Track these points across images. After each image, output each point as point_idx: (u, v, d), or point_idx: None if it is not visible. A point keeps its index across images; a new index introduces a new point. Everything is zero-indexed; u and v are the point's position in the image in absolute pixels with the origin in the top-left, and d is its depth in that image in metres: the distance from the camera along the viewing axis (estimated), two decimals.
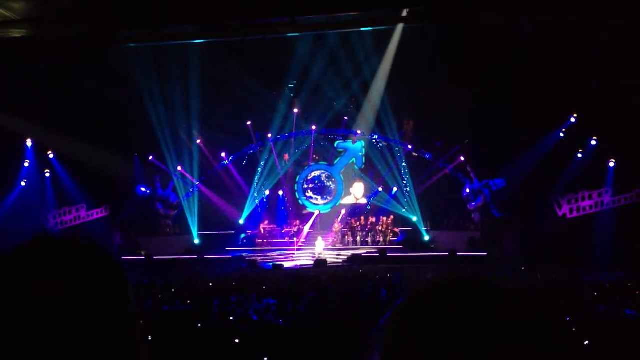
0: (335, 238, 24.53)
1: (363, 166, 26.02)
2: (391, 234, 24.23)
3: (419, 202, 24.20)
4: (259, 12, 14.57)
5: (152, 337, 7.90)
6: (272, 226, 25.50)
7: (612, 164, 22.07)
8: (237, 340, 7.80)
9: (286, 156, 26.27)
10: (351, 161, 25.97)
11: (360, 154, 25.92)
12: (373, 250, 23.11)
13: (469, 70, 19.72)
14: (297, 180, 26.28)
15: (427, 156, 24.78)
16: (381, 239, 24.06)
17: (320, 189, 26.27)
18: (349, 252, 23.01)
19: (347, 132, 25.75)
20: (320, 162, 26.39)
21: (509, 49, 18.06)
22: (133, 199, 24.80)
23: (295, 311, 10.30)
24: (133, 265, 20.29)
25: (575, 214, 22.53)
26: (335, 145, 26.10)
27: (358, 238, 24.31)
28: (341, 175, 25.95)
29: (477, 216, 23.76)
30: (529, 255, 19.23)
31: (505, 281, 13.94)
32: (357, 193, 25.86)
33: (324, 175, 26.29)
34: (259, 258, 22.76)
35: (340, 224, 24.90)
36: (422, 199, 24.39)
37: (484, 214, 23.57)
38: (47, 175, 24.47)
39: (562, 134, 22.83)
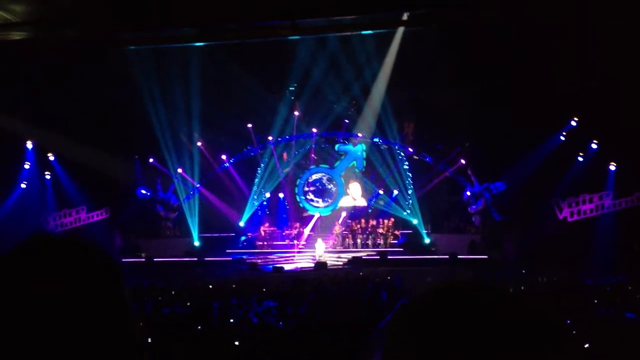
0: (335, 240, 24.51)
1: (364, 169, 26.03)
2: (392, 237, 24.20)
3: (420, 204, 24.20)
4: (260, 14, 14.60)
5: (152, 339, 7.90)
6: (272, 229, 25.48)
7: (612, 167, 22.04)
8: (237, 343, 7.79)
9: (285, 155, 26.26)
10: (352, 164, 25.97)
11: (361, 156, 25.93)
12: (373, 253, 23.08)
13: (469, 73, 19.77)
14: (297, 183, 26.28)
15: (428, 159, 24.78)
16: (382, 242, 24.04)
17: (321, 192, 26.27)
18: (350, 255, 22.99)
19: (347, 135, 25.75)
20: (321, 165, 26.40)
21: (508, 52, 18.08)
22: (133, 201, 24.79)
23: (296, 314, 10.29)
24: (133, 267, 20.28)
25: (575, 217, 22.51)
26: (336, 148, 26.11)
27: (358, 240, 24.29)
28: (342, 178, 25.95)
29: (478, 219, 23.75)
30: (530, 258, 19.22)
31: (506, 284, 13.93)
32: (354, 193, 25.84)
33: (325, 178, 26.29)
34: (259, 260, 22.73)
35: (340, 226, 24.89)
36: (422, 201, 24.39)
37: (485, 217, 23.56)
38: (48, 177, 24.46)
39: (562, 137, 22.81)
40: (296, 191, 26.24)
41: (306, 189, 26.29)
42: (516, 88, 20.08)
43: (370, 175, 25.93)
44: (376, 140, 25.19)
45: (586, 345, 6.82)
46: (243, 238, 25.26)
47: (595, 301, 11.22)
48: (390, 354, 0.85)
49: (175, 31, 16.63)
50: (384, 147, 25.21)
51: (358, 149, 25.91)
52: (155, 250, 23.44)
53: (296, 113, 25.22)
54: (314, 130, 25.31)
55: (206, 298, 12.60)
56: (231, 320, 9.77)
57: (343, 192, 25.87)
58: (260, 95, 23.69)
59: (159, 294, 13.86)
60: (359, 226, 24.77)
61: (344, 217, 25.24)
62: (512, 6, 14.79)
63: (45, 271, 0.94)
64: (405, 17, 16.36)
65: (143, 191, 25.00)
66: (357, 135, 25.47)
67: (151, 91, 22.47)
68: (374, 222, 24.70)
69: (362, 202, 25.83)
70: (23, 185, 24.09)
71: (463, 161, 23.83)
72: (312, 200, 26.22)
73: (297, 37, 17.98)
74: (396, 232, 24.40)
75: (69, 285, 0.94)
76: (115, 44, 17.83)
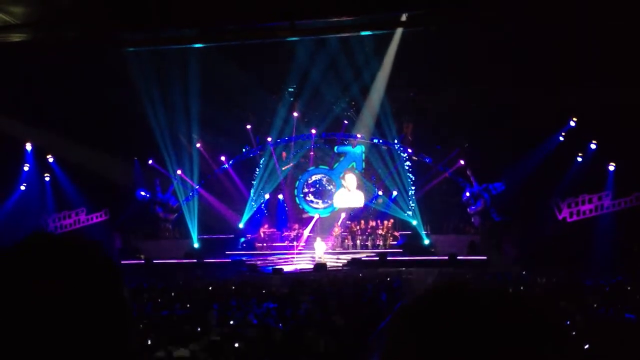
0: (335, 242, 24.50)
1: (363, 170, 26.03)
2: (391, 238, 24.20)
3: (419, 205, 24.20)
4: (259, 16, 14.59)
5: (151, 341, 7.90)
6: (272, 230, 25.47)
7: (611, 168, 22.06)
8: (236, 345, 7.78)
9: (284, 154, 26.25)
10: (351, 165, 25.98)
11: (360, 157, 25.93)
12: (373, 254, 23.08)
13: (468, 74, 19.78)
14: (296, 185, 26.29)
15: (427, 160, 24.79)
16: (381, 243, 24.04)
17: (321, 193, 26.28)
18: (349, 256, 22.98)
19: (347, 136, 25.76)
20: (321, 166, 26.40)
21: (508, 52, 18.10)
22: (133, 203, 24.79)
23: (295, 315, 10.28)
24: (133, 269, 20.27)
25: (575, 217, 22.52)
26: (335, 149, 26.12)
27: (358, 242, 24.28)
28: (341, 179, 25.95)
29: (477, 220, 23.75)
30: (529, 258, 19.24)
31: (506, 285, 13.95)
32: (349, 184, 25.81)
33: (324, 179, 26.31)
34: (258, 262, 22.73)
35: (340, 227, 24.89)
36: (422, 202, 24.40)
37: (484, 217, 23.57)
38: (47, 179, 24.46)
39: (561, 138, 22.83)
40: (295, 192, 26.24)
41: (306, 190, 26.30)
42: (515, 88, 20.10)
43: (370, 177, 25.94)
44: (375, 141, 25.21)
45: (586, 346, 6.82)
46: (242, 239, 25.26)
47: (595, 302, 11.22)
48: (390, 354, 0.85)
49: (175, 32, 16.62)
50: (383, 148, 25.23)
51: (357, 149, 25.93)
52: (155, 251, 23.43)
53: (295, 114, 25.23)
54: (313, 131, 25.32)
55: (206, 300, 12.59)
56: (231, 322, 9.77)
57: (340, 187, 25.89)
58: (260, 96, 23.71)
59: (158, 295, 13.85)
60: (358, 227, 24.76)
61: (343, 219, 25.24)
62: (512, 6, 14.79)
63: (44, 271, 0.94)
64: (404, 18, 16.35)
65: (142, 193, 25.00)
66: (356, 136, 25.48)
67: (150, 92, 22.47)
68: (374, 224, 24.69)
69: (358, 194, 25.74)
70: (22, 187, 24.08)
71: (462, 162, 23.84)
72: (311, 202, 26.23)
73: (296, 38, 17.97)
74: (395, 233, 24.40)
75: (67, 286, 0.94)
76: (114, 45, 17.81)
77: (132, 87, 21.38)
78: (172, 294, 14.13)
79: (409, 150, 24.95)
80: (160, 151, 24.38)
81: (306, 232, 24.78)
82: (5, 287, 0.93)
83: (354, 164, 25.96)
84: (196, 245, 24.47)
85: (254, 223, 25.69)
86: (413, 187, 24.71)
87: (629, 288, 13.55)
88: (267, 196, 25.98)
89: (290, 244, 24.33)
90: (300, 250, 23.96)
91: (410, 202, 24.30)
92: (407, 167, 24.87)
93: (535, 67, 18.72)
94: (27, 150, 24.05)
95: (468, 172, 23.75)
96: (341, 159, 26.10)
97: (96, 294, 0.96)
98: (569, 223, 22.43)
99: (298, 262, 22.93)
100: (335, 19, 15.69)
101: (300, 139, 25.91)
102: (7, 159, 22.60)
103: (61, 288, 0.93)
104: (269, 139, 25.46)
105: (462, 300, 0.85)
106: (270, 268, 21.56)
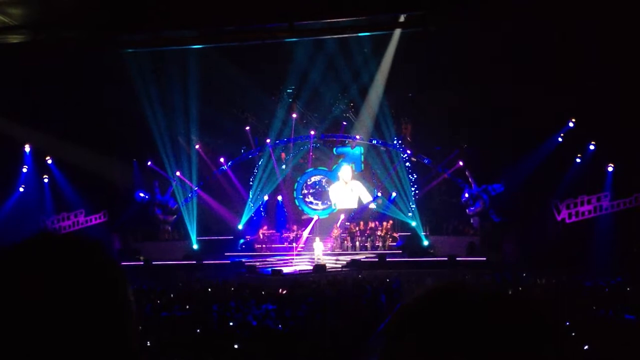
0: (334, 243, 24.50)
1: (362, 171, 26.04)
2: (390, 239, 24.21)
3: (418, 206, 24.21)
4: (258, 17, 14.61)
5: (151, 343, 7.88)
6: (271, 231, 25.48)
7: (610, 169, 22.06)
8: (236, 346, 7.78)
9: (283, 154, 26.25)
10: (350, 166, 26.00)
11: (359, 158, 25.94)
12: (372, 256, 23.08)
13: (467, 75, 19.78)
14: (295, 187, 26.29)
15: (426, 161, 24.80)
16: (380, 244, 24.04)
17: (321, 194, 26.28)
18: (348, 257, 22.98)
19: (346, 137, 25.77)
20: (320, 167, 26.40)
21: (508, 52, 18.10)
22: (132, 205, 24.78)
23: (294, 316, 10.28)
24: (132, 270, 20.23)
25: (574, 218, 22.51)
26: (334, 150, 26.13)
27: (357, 243, 24.29)
28: (337, 174, 25.97)
29: (476, 221, 23.76)
30: (528, 259, 19.22)
31: (505, 285, 13.93)
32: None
33: (324, 180, 26.33)
34: (258, 263, 22.72)
35: (339, 229, 24.89)
36: (421, 203, 24.40)
37: (483, 218, 23.58)
38: (46, 180, 24.45)
39: (560, 139, 22.84)
40: (295, 194, 26.24)
41: (305, 191, 26.30)
42: (514, 89, 20.09)
43: (370, 178, 25.94)
44: (374, 142, 25.22)
45: (585, 347, 6.82)
46: (242, 241, 25.24)
47: (594, 303, 11.21)
48: (390, 354, 0.84)
49: (174, 34, 16.64)
50: (382, 149, 25.24)
51: (356, 151, 25.95)
52: (154, 253, 23.41)
53: (294, 115, 25.23)
54: (312, 132, 25.33)
55: (205, 301, 12.58)
56: (230, 323, 9.76)
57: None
58: (258, 97, 23.70)
59: (157, 297, 13.83)
60: (357, 229, 24.77)
61: (342, 220, 25.24)
62: (512, 6, 14.81)
63: (44, 270, 0.94)
64: (402, 19, 16.37)
65: (141, 194, 24.98)
66: (355, 137, 25.49)
67: (149, 94, 22.47)
68: (373, 225, 24.70)
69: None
70: (21, 189, 24.06)
71: (461, 163, 23.85)
72: (311, 203, 26.23)
73: (295, 39, 17.98)
74: (395, 235, 24.41)
75: (72, 285, 0.94)
76: (113, 46, 17.81)
77: (131, 89, 21.38)
78: (171, 295, 14.11)
79: (408, 151, 24.96)
80: (159, 153, 24.38)
81: (305, 234, 24.78)
82: (10, 285, 0.92)
83: (352, 165, 25.98)
84: (195, 246, 24.46)
85: (253, 224, 25.70)
86: (412, 188, 24.73)
87: (628, 289, 13.54)
88: (266, 197, 25.98)
89: (289, 246, 24.32)
90: (299, 251, 23.95)
91: (410, 203, 24.30)
92: (406, 168, 24.88)
93: (535, 68, 18.73)
94: (25, 151, 24.04)
95: (467, 173, 23.77)
96: (340, 160, 26.11)
97: (101, 293, 0.96)
98: (568, 224, 22.42)
99: (297, 263, 22.92)
100: (334, 20, 15.71)
101: (299, 140, 25.92)
102: (6, 160, 22.58)
103: (66, 287, 0.93)
104: (268, 141, 25.47)
105: (461, 300, 0.84)
106: (270, 269, 21.54)
